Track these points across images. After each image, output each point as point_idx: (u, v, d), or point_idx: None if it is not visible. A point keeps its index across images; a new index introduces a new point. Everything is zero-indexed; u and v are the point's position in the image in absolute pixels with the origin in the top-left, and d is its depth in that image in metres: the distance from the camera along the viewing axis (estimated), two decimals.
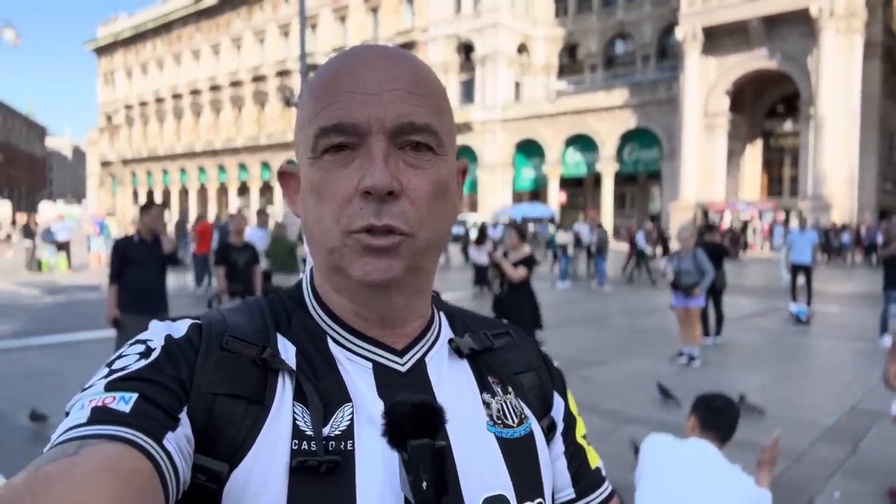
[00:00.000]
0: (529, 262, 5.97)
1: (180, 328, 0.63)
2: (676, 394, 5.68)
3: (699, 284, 7.59)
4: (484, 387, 0.71)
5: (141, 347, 0.60)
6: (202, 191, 60.98)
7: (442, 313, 0.76)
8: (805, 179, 32.40)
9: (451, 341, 0.72)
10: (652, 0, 41.55)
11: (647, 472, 2.46)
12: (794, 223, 28.95)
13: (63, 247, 18.93)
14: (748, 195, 38.42)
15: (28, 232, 19.62)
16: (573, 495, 0.76)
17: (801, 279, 11.63)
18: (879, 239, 20.88)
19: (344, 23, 49.54)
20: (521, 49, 45.02)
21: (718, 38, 34.20)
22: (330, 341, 0.67)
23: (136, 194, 66.81)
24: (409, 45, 45.66)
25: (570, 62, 46.33)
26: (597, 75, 44.43)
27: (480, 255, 13.25)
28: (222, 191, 58.96)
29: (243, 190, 56.89)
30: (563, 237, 17.08)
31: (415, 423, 0.54)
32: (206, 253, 13.95)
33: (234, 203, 54.97)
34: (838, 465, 4.57)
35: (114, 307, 5.17)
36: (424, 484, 0.53)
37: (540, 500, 0.68)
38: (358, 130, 0.61)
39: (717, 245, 9.45)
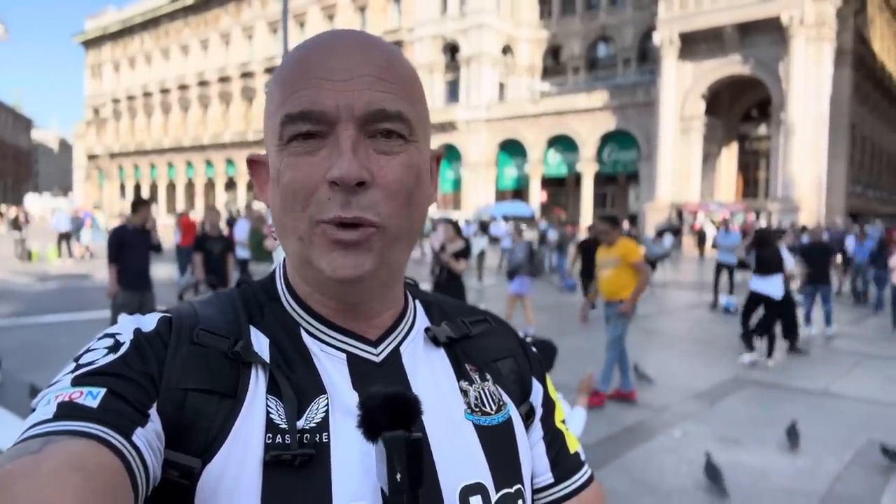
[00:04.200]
0: (465, 253, 6.99)
1: (150, 322, 0.62)
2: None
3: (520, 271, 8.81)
4: (461, 375, 0.70)
5: (109, 341, 0.59)
6: (190, 185, 61.42)
7: (418, 301, 0.76)
8: (776, 182, 33.57)
9: (427, 330, 0.72)
10: (633, 4, 42.57)
11: None
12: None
13: (64, 237, 19.81)
14: (724, 196, 39.60)
15: (17, 224, 20.39)
16: (552, 479, 0.75)
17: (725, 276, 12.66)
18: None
19: (332, 21, 50.28)
20: (506, 50, 45.95)
21: (694, 44, 35.16)
22: (303, 333, 0.66)
23: (122, 188, 67.19)
24: (396, 45, 46.17)
25: (553, 64, 47.29)
26: (579, 77, 45.46)
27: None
28: (210, 186, 59.44)
29: (231, 185, 57.43)
30: (528, 234, 18.00)
31: (389, 414, 0.53)
32: (190, 245, 14.73)
33: (220, 198, 55.60)
34: (690, 415, 5.63)
35: (115, 284, 6.12)
36: (398, 475, 0.52)
37: (518, 486, 0.68)
38: (326, 118, 0.59)
39: (589, 240, 10.68)
